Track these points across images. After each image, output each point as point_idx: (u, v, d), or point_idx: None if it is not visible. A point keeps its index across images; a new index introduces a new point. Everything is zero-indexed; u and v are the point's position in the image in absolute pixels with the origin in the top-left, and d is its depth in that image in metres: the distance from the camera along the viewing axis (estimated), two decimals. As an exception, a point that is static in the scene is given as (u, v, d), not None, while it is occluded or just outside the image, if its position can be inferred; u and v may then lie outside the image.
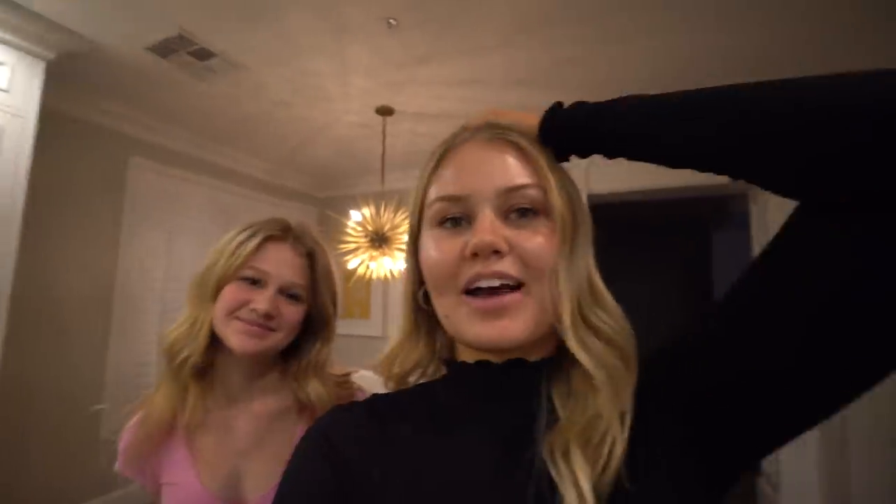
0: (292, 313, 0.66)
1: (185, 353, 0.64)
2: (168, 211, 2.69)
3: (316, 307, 0.69)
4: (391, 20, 1.64)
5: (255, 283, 0.64)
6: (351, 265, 2.45)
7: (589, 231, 0.40)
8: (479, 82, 2.06)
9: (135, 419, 0.66)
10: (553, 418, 0.35)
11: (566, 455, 0.32)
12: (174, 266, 2.69)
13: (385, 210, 2.38)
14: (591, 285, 0.37)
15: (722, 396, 0.33)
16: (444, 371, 0.43)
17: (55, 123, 1.95)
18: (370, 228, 2.36)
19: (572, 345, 0.35)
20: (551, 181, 0.37)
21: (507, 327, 0.35)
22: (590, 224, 0.40)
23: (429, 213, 0.40)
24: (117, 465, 0.66)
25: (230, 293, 0.64)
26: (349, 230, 2.43)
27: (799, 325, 0.30)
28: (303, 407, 0.68)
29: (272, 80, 2.06)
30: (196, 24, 1.65)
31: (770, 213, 2.41)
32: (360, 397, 0.70)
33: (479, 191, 0.37)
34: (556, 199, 0.37)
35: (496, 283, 0.35)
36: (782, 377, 0.31)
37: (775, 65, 1.68)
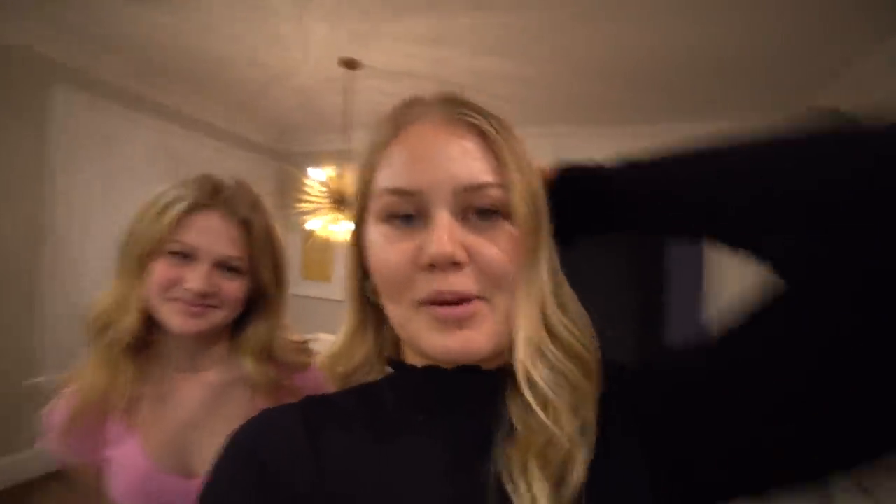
0: (233, 289, 0.60)
1: (112, 333, 0.57)
2: (105, 151, 2.43)
3: (255, 281, 0.62)
4: (358, -39, 1.47)
5: (185, 257, 0.57)
6: (309, 226, 2.34)
7: (549, 231, 0.36)
8: (449, 44, 1.94)
9: (65, 392, 0.60)
10: (509, 431, 0.33)
11: (524, 472, 0.30)
12: (116, 213, 2.45)
13: (348, 171, 2.26)
14: (555, 293, 0.35)
15: (703, 445, 0.30)
16: (387, 371, 0.40)
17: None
18: (332, 188, 2.24)
19: (526, 363, 0.32)
20: (516, 180, 0.33)
21: (470, 339, 0.32)
22: (548, 221, 0.36)
23: (376, 204, 0.35)
24: (47, 445, 0.59)
25: (160, 271, 0.57)
26: (309, 189, 2.31)
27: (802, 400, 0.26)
28: (267, 383, 0.63)
29: (224, 11, 1.84)
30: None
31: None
32: (319, 374, 0.66)
33: (434, 186, 0.33)
34: (520, 203, 0.33)
35: (455, 300, 0.32)
36: (776, 443, 0.28)
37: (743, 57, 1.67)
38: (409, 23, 1.81)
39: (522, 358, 0.32)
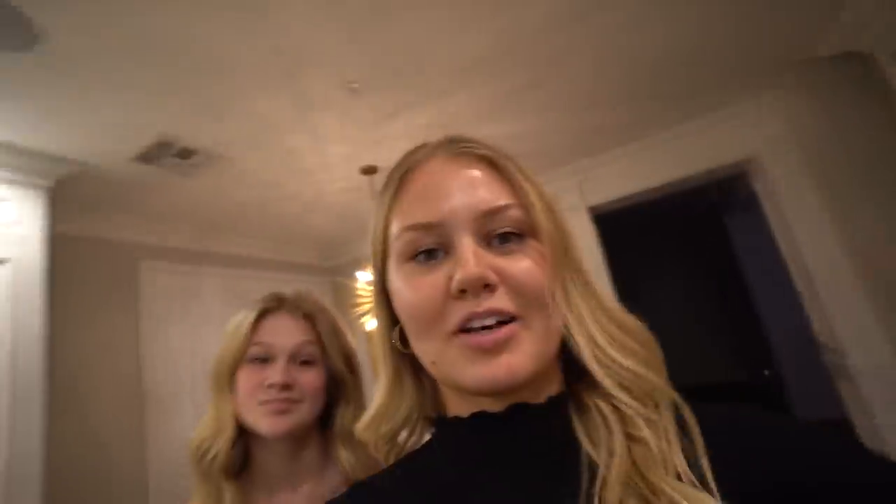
0: (310, 379, 0.64)
1: (212, 452, 0.61)
2: (185, 307, 2.75)
3: (329, 370, 0.67)
4: (352, 85, 1.71)
5: (264, 360, 0.63)
6: (369, 326, 2.42)
7: (577, 245, 0.36)
8: (450, 125, 2.11)
9: None
10: (590, 465, 0.29)
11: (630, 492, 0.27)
12: (200, 360, 2.71)
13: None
14: (598, 302, 0.34)
15: None
16: (432, 431, 0.39)
17: (64, 244, 2.07)
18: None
19: (594, 369, 0.31)
20: (533, 198, 0.34)
21: (511, 363, 0.31)
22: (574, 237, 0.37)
23: (396, 247, 0.35)
24: None
25: (244, 377, 0.63)
26: (360, 291, 2.43)
27: None
28: (364, 472, 0.63)
29: (254, 164, 2.15)
30: (172, 128, 1.76)
31: (778, 188, 2.31)
32: None
33: (453, 215, 0.33)
34: (542, 218, 0.33)
35: (492, 321, 0.31)
36: None
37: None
38: (407, 119, 2.01)
39: (592, 369, 0.31)
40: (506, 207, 0.33)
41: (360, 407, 0.67)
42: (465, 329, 0.31)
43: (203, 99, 1.63)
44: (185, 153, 1.90)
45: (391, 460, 0.40)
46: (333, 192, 2.67)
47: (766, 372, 3.97)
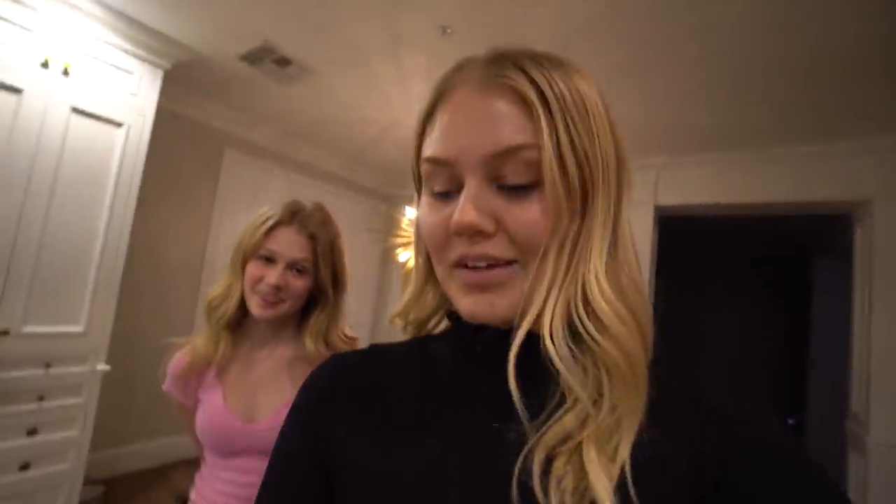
0: (299, 285, 0.80)
1: (220, 311, 0.81)
2: (252, 198, 3.06)
3: (317, 280, 0.82)
4: (446, 28, 1.72)
5: (269, 260, 0.79)
6: (402, 258, 2.59)
7: (608, 198, 0.32)
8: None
9: (181, 352, 0.84)
10: (559, 400, 0.31)
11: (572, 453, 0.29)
12: None
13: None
14: (609, 268, 0.32)
15: None
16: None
17: (168, 121, 2.34)
18: (421, 226, 2.48)
19: (547, 345, 0.30)
20: (548, 140, 0.30)
21: (493, 303, 0.32)
22: (615, 189, 0.33)
23: (423, 172, 0.36)
24: (165, 385, 0.85)
25: (251, 270, 0.79)
26: (403, 225, 2.58)
27: None
28: (320, 360, 0.80)
29: (341, 84, 2.26)
30: (276, 35, 1.88)
31: (877, 238, 2.09)
32: None
33: (465, 155, 0.32)
34: (551, 165, 0.30)
35: (482, 263, 0.32)
36: None
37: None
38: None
39: (544, 331, 0.30)
40: (518, 148, 0.31)
41: (335, 314, 0.84)
42: (462, 264, 0.33)
43: (306, 14, 1.72)
44: (283, 62, 2.03)
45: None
46: (407, 127, 2.74)
47: (791, 420, 3.81)
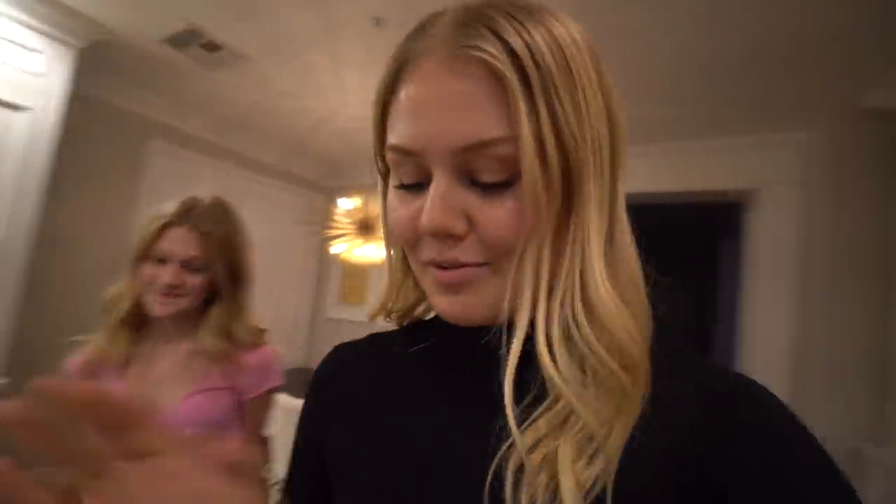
0: (195, 282, 0.82)
1: (116, 310, 0.83)
2: (182, 190, 2.89)
3: (214, 277, 0.84)
4: (378, 18, 1.76)
5: (162, 261, 0.81)
6: (334, 250, 2.61)
7: (608, 187, 0.29)
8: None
9: (82, 349, 0.84)
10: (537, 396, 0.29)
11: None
12: None
13: (370, 199, 2.53)
14: (585, 271, 0.28)
15: None
16: None
17: (84, 106, 2.17)
18: (359, 217, 2.51)
19: (540, 350, 0.28)
20: (527, 130, 0.26)
21: (467, 304, 0.30)
22: (609, 172, 0.30)
23: (388, 158, 0.32)
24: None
25: (147, 272, 0.81)
26: (337, 218, 2.59)
27: None
28: (219, 354, 0.83)
29: (276, 72, 2.22)
30: (203, 19, 1.82)
31: (764, 223, 2.41)
32: (268, 351, 0.87)
33: (431, 146, 0.28)
34: (528, 160, 0.26)
35: (453, 266, 0.30)
36: None
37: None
38: (427, 66, 2.06)
39: (539, 336, 0.28)
40: (490, 143, 0.27)
41: (236, 309, 0.86)
42: (434, 263, 0.30)
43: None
44: (212, 46, 1.97)
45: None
46: (345, 117, 2.75)
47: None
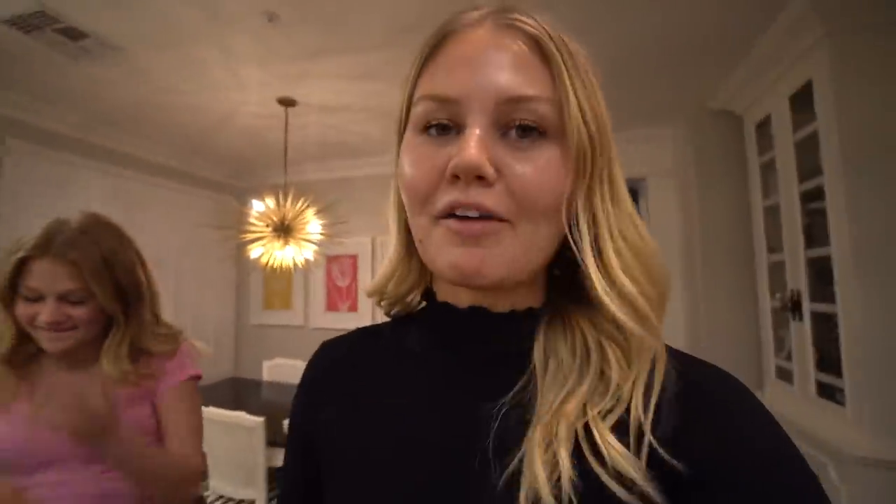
0: (81, 313, 0.73)
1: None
2: (55, 197, 2.53)
3: (99, 304, 0.75)
4: (270, 14, 1.65)
5: (35, 299, 0.71)
6: (253, 254, 2.45)
7: (611, 161, 0.32)
8: (375, 78, 2.12)
9: None
10: (530, 392, 0.30)
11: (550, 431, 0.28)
12: None
13: (288, 200, 2.40)
14: (622, 221, 0.31)
15: None
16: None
17: None
18: (274, 219, 2.37)
19: (600, 295, 0.29)
20: (571, 95, 0.29)
21: (485, 259, 0.29)
22: (615, 154, 0.33)
23: (413, 114, 0.32)
24: None
25: (21, 310, 0.71)
26: (251, 220, 2.43)
27: None
28: (126, 378, 0.75)
29: (154, 64, 2.00)
30: (58, 2, 1.58)
31: (651, 206, 2.69)
32: (185, 349, 0.81)
33: (474, 94, 0.29)
34: (574, 119, 0.29)
35: (474, 214, 0.29)
36: None
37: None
38: (332, 63, 1.99)
39: (602, 282, 0.30)
40: (534, 99, 0.29)
41: (137, 328, 0.78)
42: (451, 214, 0.30)
43: (96, -18, 1.48)
44: (75, 33, 1.72)
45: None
46: (246, 115, 2.57)
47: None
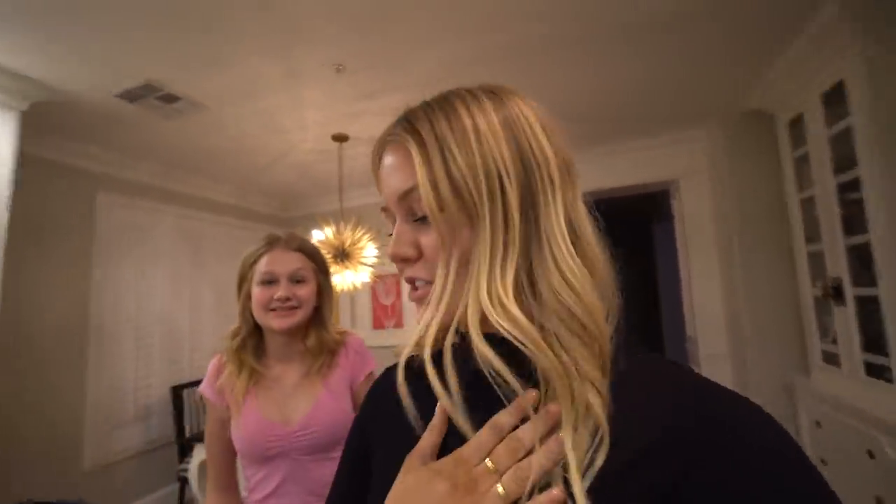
0: (304, 292, 0.93)
1: (237, 339, 0.93)
2: (137, 241, 2.81)
3: (317, 285, 0.96)
4: (339, 66, 1.88)
5: (270, 282, 0.91)
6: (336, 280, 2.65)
7: (517, 208, 0.34)
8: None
9: (215, 360, 0.95)
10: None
11: None
12: (145, 295, 2.82)
13: (345, 227, 2.61)
14: (493, 284, 0.33)
15: None
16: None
17: (31, 166, 2.08)
18: (334, 245, 2.58)
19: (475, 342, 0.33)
20: (421, 179, 0.34)
21: (422, 318, 0.37)
22: (517, 193, 0.34)
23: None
24: (201, 387, 0.96)
25: (258, 294, 0.91)
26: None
27: None
28: (329, 363, 0.95)
29: (230, 116, 2.26)
30: (163, 73, 1.84)
31: (685, 206, 2.82)
32: (350, 339, 1.00)
33: (387, 201, 0.39)
34: (427, 200, 0.34)
35: (415, 283, 0.39)
36: None
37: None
38: (383, 101, 2.21)
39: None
40: (409, 191, 0.36)
41: (328, 314, 0.99)
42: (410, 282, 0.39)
43: (195, 53, 1.74)
44: (170, 98, 1.98)
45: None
46: (301, 151, 2.81)
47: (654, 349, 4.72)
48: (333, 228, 2.59)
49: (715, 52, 1.91)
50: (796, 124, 2.06)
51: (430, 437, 0.36)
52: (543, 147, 0.36)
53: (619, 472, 0.28)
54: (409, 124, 0.37)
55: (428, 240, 0.36)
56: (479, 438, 0.32)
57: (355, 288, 2.68)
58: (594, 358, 0.32)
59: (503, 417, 0.32)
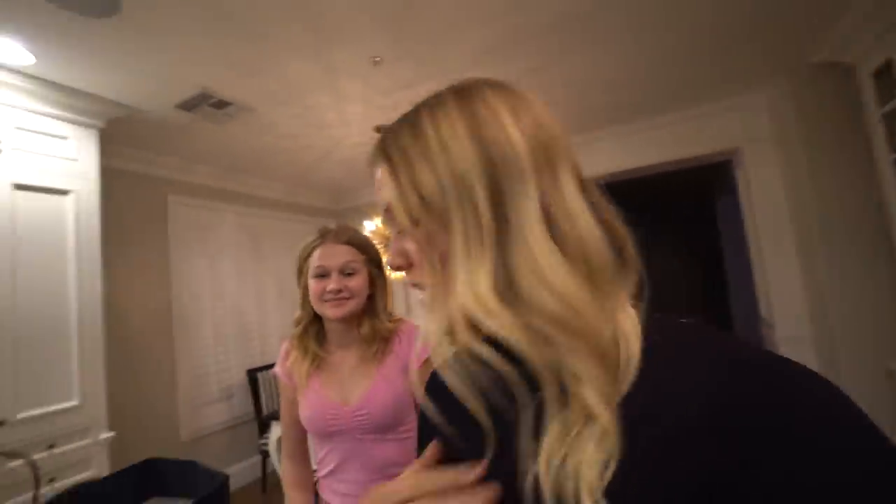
0: (355, 283, 0.96)
1: (300, 325, 1.00)
2: (205, 239, 3.05)
3: (369, 276, 1.00)
4: (376, 58, 1.89)
5: (323, 275, 0.96)
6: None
7: (488, 208, 0.33)
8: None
9: (286, 343, 1.04)
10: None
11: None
12: (218, 287, 3.07)
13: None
14: (476, 282, 0.34)
15: None
16: None
17: (108, 178, 2.31)
18: (385, 235, 2.65)
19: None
20: (392, 190, 0.37)
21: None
22: (486, 195, 0.34)
23: None
24: (275, 368, 1.04)
25: (314, 286, 0.96)
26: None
27: None
28: (383, 349, 0.99)
29: (280, 117, 2.35)
30: (213, 81, 1.95)
31: (753, 177, 2.58)
32: (403, 326, 1.02)
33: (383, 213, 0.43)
34: (396, 209, 0.37)
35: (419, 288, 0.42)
36: None
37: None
38: (424, 89, 2.18)
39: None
40: (387, 208, 0.39)
41: (383, 306, 1.02)
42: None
43: (242, 60, 1.82)
44: (221, 104, 2.10)
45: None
46: (348, 146, 2.88)
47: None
48: (380, 219, 2.66)
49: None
50: (883, 74, 1.79)
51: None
52: (511, 137, 0.35)
53: (642, 467, 0.27)
54: (382, 143, 0.39)
55: (413, 248, 0.38)
56: (398, 485, 0.34)
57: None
58: (590, 353, 0.30)
59: (432, 478, 0.34)
